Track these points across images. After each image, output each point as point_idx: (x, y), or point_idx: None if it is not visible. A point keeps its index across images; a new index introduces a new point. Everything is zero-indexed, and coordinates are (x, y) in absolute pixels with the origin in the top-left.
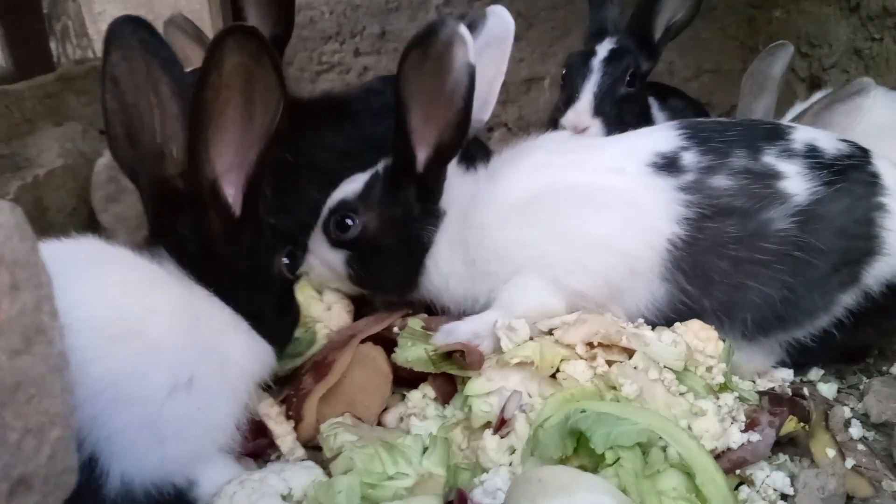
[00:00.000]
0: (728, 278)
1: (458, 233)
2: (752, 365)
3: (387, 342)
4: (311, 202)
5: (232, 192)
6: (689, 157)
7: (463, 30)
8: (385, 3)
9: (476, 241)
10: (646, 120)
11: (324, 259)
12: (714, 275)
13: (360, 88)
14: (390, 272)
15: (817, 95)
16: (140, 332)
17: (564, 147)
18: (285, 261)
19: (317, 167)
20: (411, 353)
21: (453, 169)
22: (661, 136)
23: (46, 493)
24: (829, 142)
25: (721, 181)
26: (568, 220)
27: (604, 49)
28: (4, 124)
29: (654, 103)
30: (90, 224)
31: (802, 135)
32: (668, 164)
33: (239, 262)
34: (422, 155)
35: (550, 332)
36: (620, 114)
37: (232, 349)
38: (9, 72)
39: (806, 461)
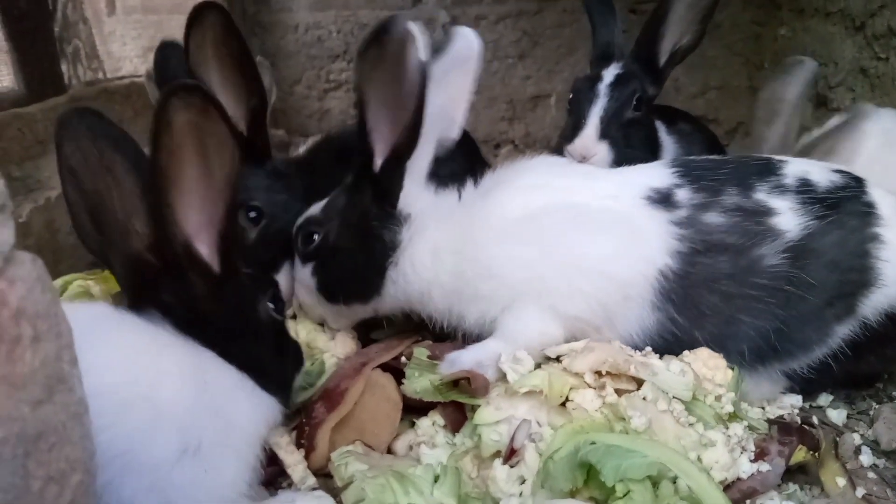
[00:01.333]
0: (719, 312)
1: (446, 243)
2: (760, 392)
3: (395, 371)
4: None
5: (206, 251)
6: (683, 194)
7: (413, 27)
8: None
9: (470, 254)
10: (653, 143)
11: (299, 279)
12: (705, 308)
13: None
14: (351, 275)
15: (832, 122)
16: (151, 397)
17: (563, 171)
18: (270, 305)
19: None
20: (419, 384)
21: (420, 176)
22: (656, 172)
23: None
24: (822, 174)
25: (714, 218)
26: (566, 240)
27: (609, 74)
28: (17, 146)
29: (661, 126)
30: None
31: (794, 169)
32: (663, 199)
33: (229, 318)
34: (379, 156)
35: (558, 359)
36: (627, 137)
37: (238, 412)
38: (21, 94)
39: (816, 490)
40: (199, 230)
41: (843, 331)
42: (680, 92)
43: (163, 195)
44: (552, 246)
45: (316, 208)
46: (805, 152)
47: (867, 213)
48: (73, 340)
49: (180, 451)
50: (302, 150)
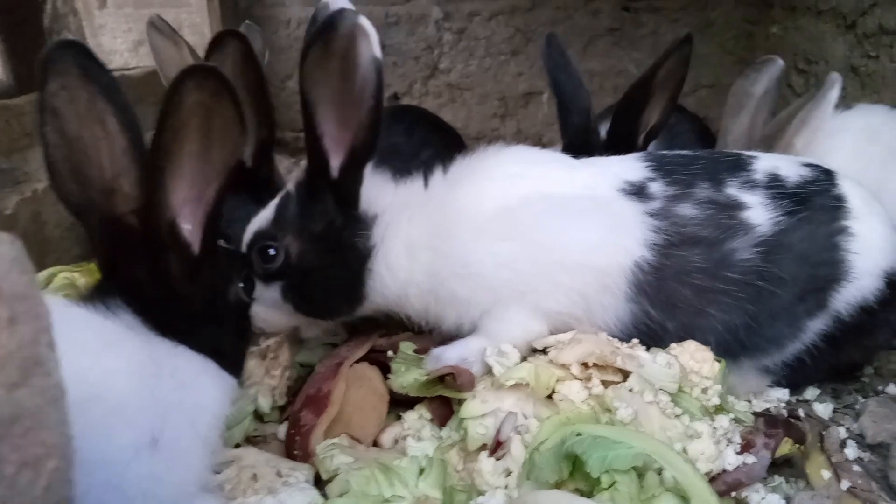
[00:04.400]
0: (690, 305)
1: (420, 238)
2: (747, 385)
3: (382, 365)
4: None
5: (189, 229)
6: (656, 187)
7: (364, 21)
8: (384, 17)
9: (445, 251)
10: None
11: (263, 300)
12: (677, 301)
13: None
14: (333, 290)
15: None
16: (100, 395)
17: (537, 159)
18: (241, 286)
19: None
20: (405, 379)
21: (369, 169)
22: (629, 165)
23: None
24: (791, 169)
25: (687, 210)
26: (546, 232)
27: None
28: (5, 138)
29: None
30: (89, 239)
31: (764, 164)
32: (637, 191)
33: (200, 301)
34: (335, 160)
35: (545, 351)
36: None
37: (203, 397)
38: (9, 86)
39: (801, 482)
40: (184, 206)
41: (816, 326)
42: None
43: (160, 172)
44: (532, 240)
45: (262, 221)
46: (771, 136)
47: (837, 206)
48: (50, 323)
49: (135, 447)
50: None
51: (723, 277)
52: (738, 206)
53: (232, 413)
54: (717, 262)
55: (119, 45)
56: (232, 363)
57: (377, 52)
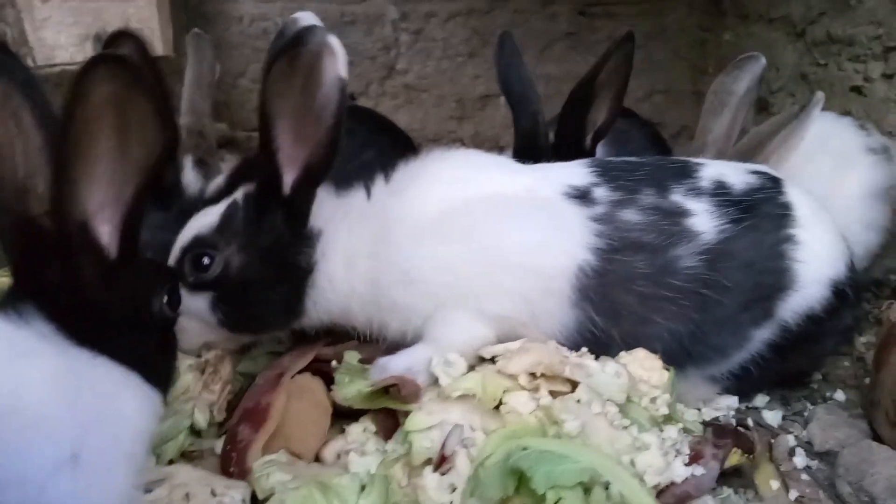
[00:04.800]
0: (635, 313)
1: (359, 248)
2: (696, 393)
3: (326, 375)
4: None
5: (107, 232)
6: (600, 192)
7: (333, 40)
8: (340, 16)
9: (385, 258)
10: None
11: (185, 307)
12: (621, 308)
13: None
14: (269, 306)
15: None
16: (15, 408)
17: (481, 163)
18: (165, 298)
19: None
20: (349, 390)
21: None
22: (574, 171)
23: None
24: (738, 177)
25: (631, 216)
26: (487, 233)
27: None
28: None
29: None
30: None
31: (710, 172)
32: (581, 196)
33: (118, 310)
34: (289, 176)
35: (493, 360)
36: None
37: (126, 411)
38: None
39: (750, 492)
40: (101, 208)
41: (761, 335)
42: (627, 95)
43: (67, 166)
44: (472, 241)
45: (203, 227)
46: (750, 147)
47: (783, 214)
48: None
49: (55, 463)
50: (222, 178)
51: (667, 284)
52: (682, 212)
53: (166, 428)
54: (660, 269)
55: (63, 39)
56: (156, 377)
57: (343, 72)
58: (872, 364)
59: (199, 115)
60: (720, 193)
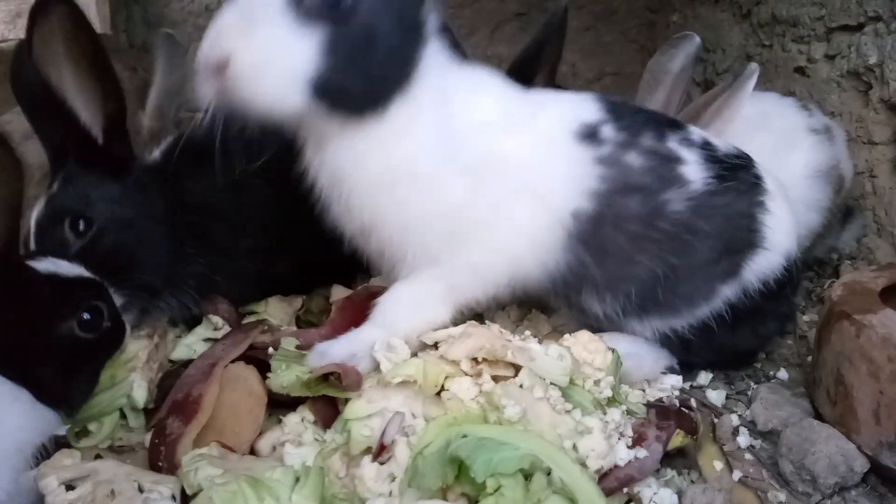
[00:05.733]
0: (621, 252)
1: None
2: (641, 372)
3: (260, 363)
4: None
5: None
6: (608, 131)
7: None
8: None
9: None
10: None
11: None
12: (609, 247)
13: None
14: None
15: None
16: None
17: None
18: (86, 316)
19: None
20: (285, 378)
21: None
22: (587, 105)
23: None
24: (719, 141)
25: (633, 159)
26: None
27: None
28: None
29: None
30: None
31: (697, 130)
32: (590, 135)
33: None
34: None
35: (436, 346)
36: None
37: (8, 424)
38: None
39: (694, 474)
40: None
41: (726, 292)
42: (577, 77)
43: None
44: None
45: None
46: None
47: (755, 183)
48: None
49: None
50: (157, 153)
51: (655, 226)
52: (677, 159)
53: (105, 402)
54: (651, 211)
55: None
56: (55, 398)
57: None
58: (814, 343)
59: (164, 121)
60: (708, 149)
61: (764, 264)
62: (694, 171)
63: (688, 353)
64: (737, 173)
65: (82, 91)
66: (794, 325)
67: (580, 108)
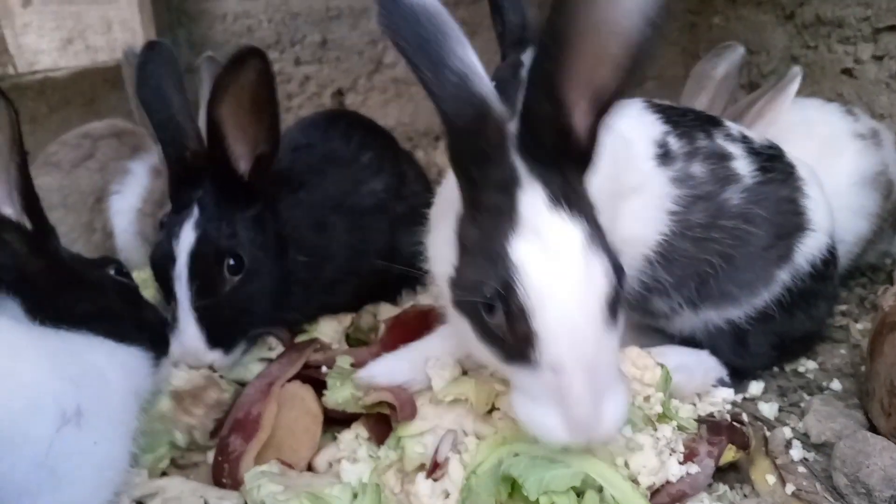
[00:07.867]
0: (687, 255)
1: None
2: (692, 386)
3: (315, 382)
4: None
5: (13, 213)
6: (674, 143)
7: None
8: (325, 10)
9: None
10: None
11: None
12: (678, 255)
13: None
14: None
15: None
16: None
17: None
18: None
19: None
20: (341, 394)
21: None
22: (647, 121)
23: None
24: (753, 133)
25: (697, 168)
26: None
27: (529, 58)
28: None
29: None
30: None
31: (732, 124)
32: (664, 154)
33: (53, 273)
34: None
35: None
36: None
37: (108, 375)
38: None
39: (747, 488)
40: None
41: (782, 277)
42: None
43: None
44: None
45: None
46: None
47: (791, 172)
48: None
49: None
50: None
51: (718, 226)
52: (727, 155)
53: (144, 442)
54: (714, 214)
55: (46, 44)
56: (135, 333)
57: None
58: (867, 353)
59: None
60: (748, 142)
61: (812, 245)
62: (743, 165)
63: (742, 348)
64: (774, 163)
65: (243, 127)
66: (847, 333)
67: (644, 123)
